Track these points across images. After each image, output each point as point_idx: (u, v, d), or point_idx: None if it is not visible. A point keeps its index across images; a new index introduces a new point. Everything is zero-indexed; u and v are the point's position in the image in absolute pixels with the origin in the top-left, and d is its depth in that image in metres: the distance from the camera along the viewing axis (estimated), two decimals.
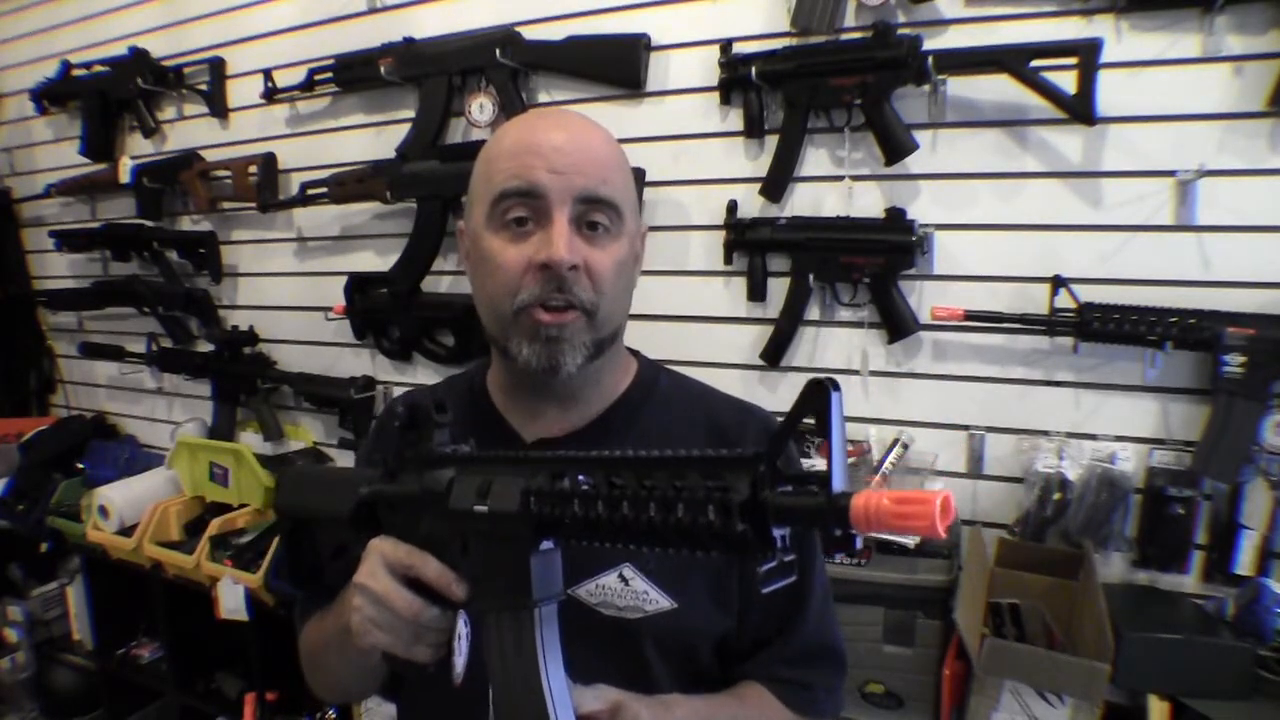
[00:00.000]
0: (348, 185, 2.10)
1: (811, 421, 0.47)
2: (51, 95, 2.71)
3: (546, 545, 0.61)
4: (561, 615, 0.66)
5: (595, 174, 0.79)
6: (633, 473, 0.54)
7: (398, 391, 2.24)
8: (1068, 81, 1.40)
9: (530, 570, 0.60)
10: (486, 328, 0.85)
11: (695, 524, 0.49)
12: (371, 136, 2.17)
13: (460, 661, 0.66)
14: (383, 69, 2.01)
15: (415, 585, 0.66)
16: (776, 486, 0.48)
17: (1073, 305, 1.45)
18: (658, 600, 0.82)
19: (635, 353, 0.96)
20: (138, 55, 2.47)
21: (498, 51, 1.86)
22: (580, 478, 0.57)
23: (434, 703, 0.83)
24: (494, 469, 0.63)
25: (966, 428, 1.62)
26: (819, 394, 0.47)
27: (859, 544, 0.41)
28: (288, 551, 0.88)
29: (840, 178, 1.66)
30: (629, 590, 0.82)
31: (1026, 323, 1.49)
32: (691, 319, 1.85)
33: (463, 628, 0.67)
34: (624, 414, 0.89)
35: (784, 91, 1.64)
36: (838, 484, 0.46)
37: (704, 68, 1.74)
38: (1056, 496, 1.47)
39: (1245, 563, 1.38)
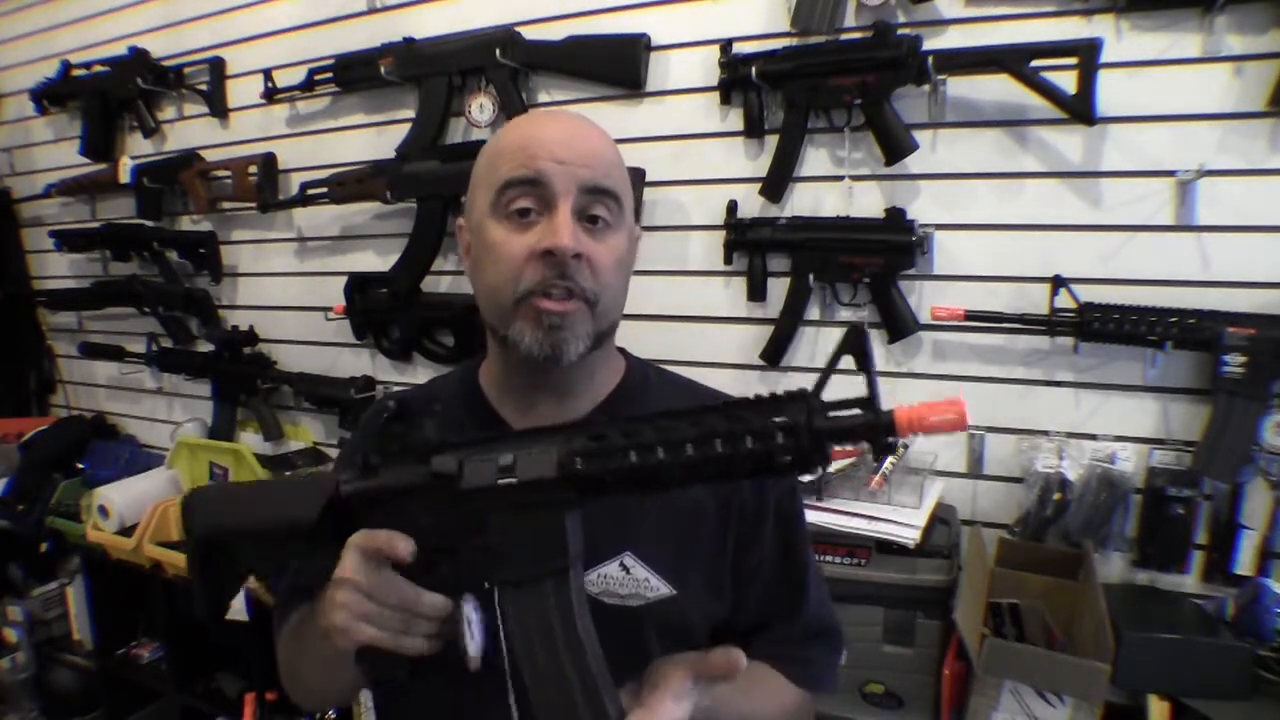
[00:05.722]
0: (348, 185, 2.10)
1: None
2: (51, 95, 2.70)
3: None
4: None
5: (599, 166, 0.81)
6: (686, 421, 0.59)
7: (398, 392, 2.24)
8: (1068, 81, 1.40)
9: (566, 531, 0.63)
10: (486, 317, 0.86)
11: (765, 451, 0.57)
12: (371, 136, 2.16)
13: (475, 645, 0.66)
14: (383, 69, 2.01)
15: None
16: (826, 413, 0.57)
17: (1073, 305, 1.45)
18: (658, 587, 0.84)
19: (623, 351, 0.97)
20: (138, 55, 2.46)
21: (498, 51, 1.86)
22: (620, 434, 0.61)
23: (430, 694, 0.83)
24: (501, 446, 0.65)
25: (966, 428, 1.62)
26: (857, 336, 0.57)
27: (899, 444, 0.53)
28: (202, 582, 0.78)
29: (840, 178, 1.66)
30: (630, 578, 0.83)
31: (1026, 323, 1.49)
32: (691, 319, 1.85)
33: (472, 614, 0.67)
34: (617, 407, 0.90)
35: (784, 91, 1.64)
36: (880, 403, 0.56)
37: (704, 68, 1.74)
38: (1056, 496, 1.46)
39: (1245, 563, 1.38)
